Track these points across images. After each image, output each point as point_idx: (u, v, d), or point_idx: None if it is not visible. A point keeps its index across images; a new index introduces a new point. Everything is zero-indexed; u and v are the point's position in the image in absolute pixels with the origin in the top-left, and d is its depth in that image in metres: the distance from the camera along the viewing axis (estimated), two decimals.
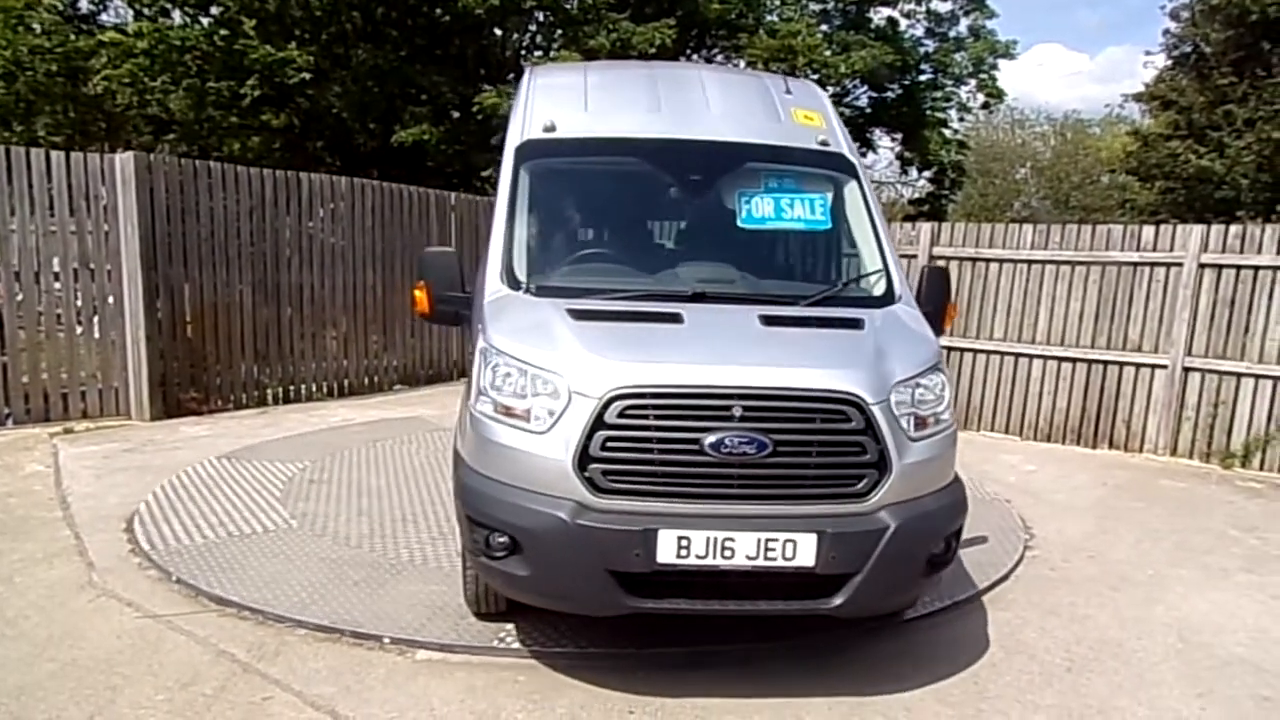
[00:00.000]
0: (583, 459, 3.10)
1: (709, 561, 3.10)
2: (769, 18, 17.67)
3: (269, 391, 8.58)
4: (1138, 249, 7.74)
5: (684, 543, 3.08)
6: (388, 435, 7.25)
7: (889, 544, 3.16)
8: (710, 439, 3.07)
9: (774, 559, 3.12)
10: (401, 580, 4.28)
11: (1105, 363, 7.93)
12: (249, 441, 6.89)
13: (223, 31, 13.87)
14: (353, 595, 4.07)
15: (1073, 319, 8.07)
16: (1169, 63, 16.61)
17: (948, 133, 20.82)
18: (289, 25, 14.67)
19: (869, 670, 3.60)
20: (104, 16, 17.27)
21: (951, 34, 20.35)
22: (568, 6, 14.60)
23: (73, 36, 15.13)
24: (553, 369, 3.22)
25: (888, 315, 3.80)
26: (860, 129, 19.44)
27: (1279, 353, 7.13)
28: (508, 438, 3.24)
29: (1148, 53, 20.31)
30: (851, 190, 4.37)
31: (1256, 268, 7.22)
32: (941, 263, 8.14)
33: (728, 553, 3.10)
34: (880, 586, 3.25)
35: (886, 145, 21.48)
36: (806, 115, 4.57)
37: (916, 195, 23.04)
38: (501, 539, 3.19)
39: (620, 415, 3.11)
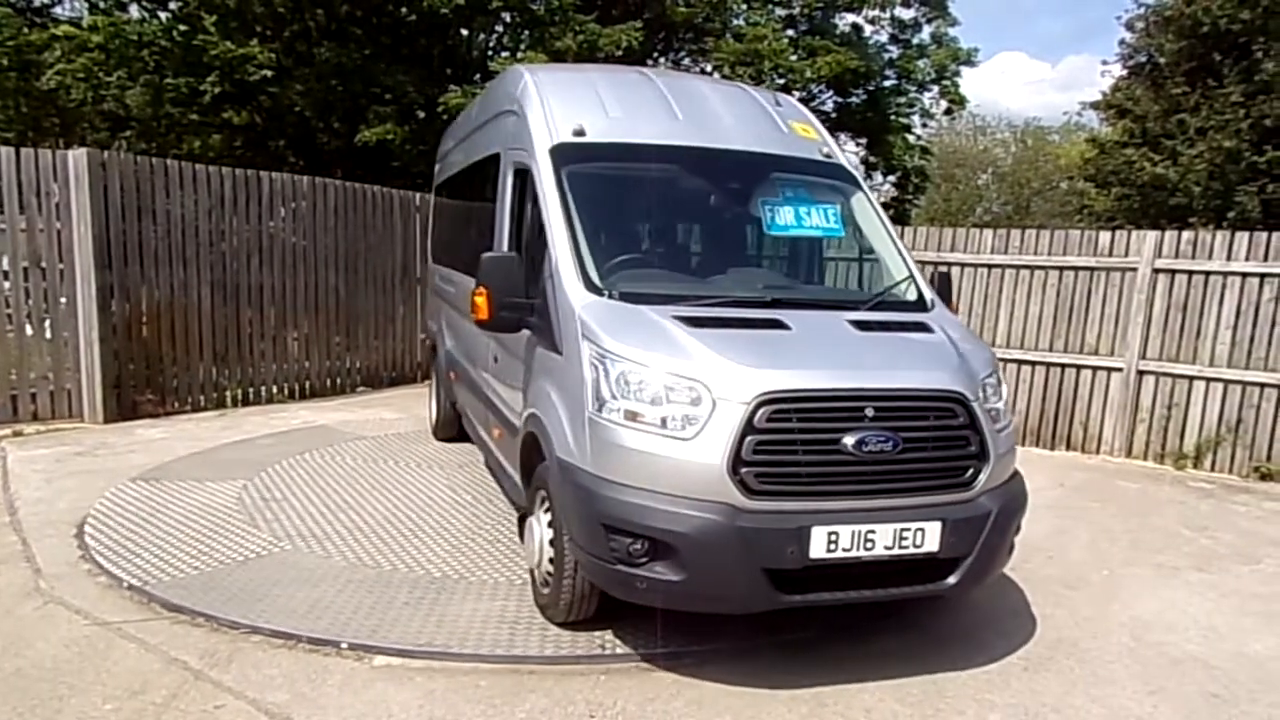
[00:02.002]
0: (735, 463, 3.18)
1: (854, 554, 3.29)
2: (735, 22, 17.71)
3: (228, 393, 8.42)
4: (1094, 254, 7.90)
5: (833, 538, 3.25)
6: (355, 438, 7.15)
7: (992, 526, 3.50)
8: (850, 439, 3.27)
9: (906, 547, 3.36)
10: (454, 598, 4.10)
11: (1063, 365, 8.08)
12: (209, 444, 6.76)
13: (182, 27, 13.54)
14: (415, 617, 3.87)
15: (1031, 322, 8.21)
16: (1125, 72, 16.97)
17: (911, 138, 21.04)
18: (250, 21, 14.39)
19: (828, 670, 3.62)
20: (58, 9, 16.86)
21: (915, 41, 20.57)
22: (534, 7, 14.50)
23: (25, 29, 14.70)
24: (691, 375, 3.28)
25: (939, 319, 4.02)
26: None
27: (1229, 356, 7.32)
28: (645, 444, 3.27)
29: (1105, 62, 20.64)
30: (859, 200, 4.62)
31: (1207, 273, 7.41)
32: None
33: (869, 544, 3.30)
34: (984, 565, 3.56)
35: (851, 150, 21.63)
36: (803, 128, 4.79)
37: (881, 200, 23.28)
38: (640, 545, 3.23)
39: (768, 420, 3.22)
